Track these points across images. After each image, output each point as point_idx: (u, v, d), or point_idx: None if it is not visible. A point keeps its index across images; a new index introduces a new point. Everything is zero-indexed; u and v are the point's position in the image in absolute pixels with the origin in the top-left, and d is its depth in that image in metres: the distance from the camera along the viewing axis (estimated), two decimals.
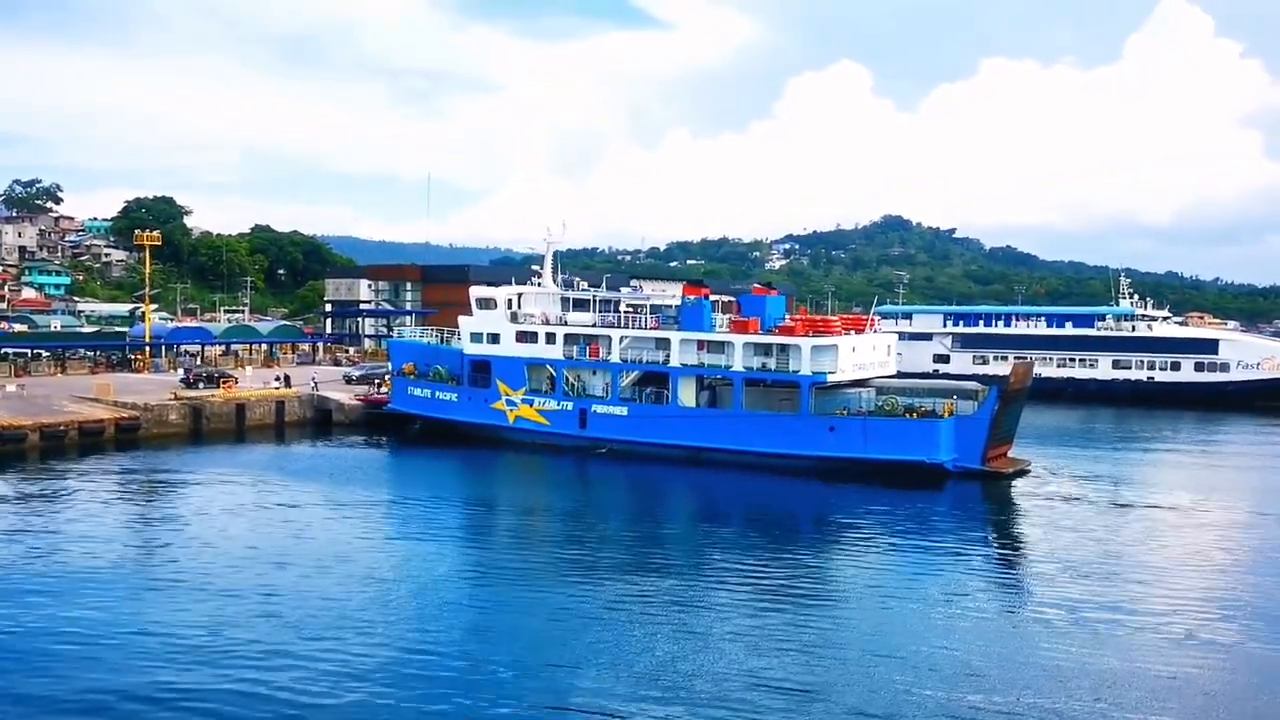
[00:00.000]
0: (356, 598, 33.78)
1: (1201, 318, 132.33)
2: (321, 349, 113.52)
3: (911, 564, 40.42)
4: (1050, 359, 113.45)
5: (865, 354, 63.55)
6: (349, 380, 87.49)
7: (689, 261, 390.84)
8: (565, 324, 69.04)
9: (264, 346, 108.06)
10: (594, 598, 34.14)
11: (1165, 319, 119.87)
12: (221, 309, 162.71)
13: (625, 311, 69.13)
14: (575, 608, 32.98)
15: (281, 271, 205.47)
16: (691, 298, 65.24)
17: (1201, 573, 39.45)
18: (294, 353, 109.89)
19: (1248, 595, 36.08)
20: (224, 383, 77.11)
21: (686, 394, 64.23)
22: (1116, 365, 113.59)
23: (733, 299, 70.64)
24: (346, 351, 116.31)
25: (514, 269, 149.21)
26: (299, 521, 45.38)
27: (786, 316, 67.00)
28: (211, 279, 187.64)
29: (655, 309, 68.68)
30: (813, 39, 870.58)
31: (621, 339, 66.09)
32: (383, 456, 66.74)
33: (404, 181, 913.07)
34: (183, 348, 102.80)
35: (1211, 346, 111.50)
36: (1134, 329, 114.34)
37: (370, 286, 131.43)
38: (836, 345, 60.80)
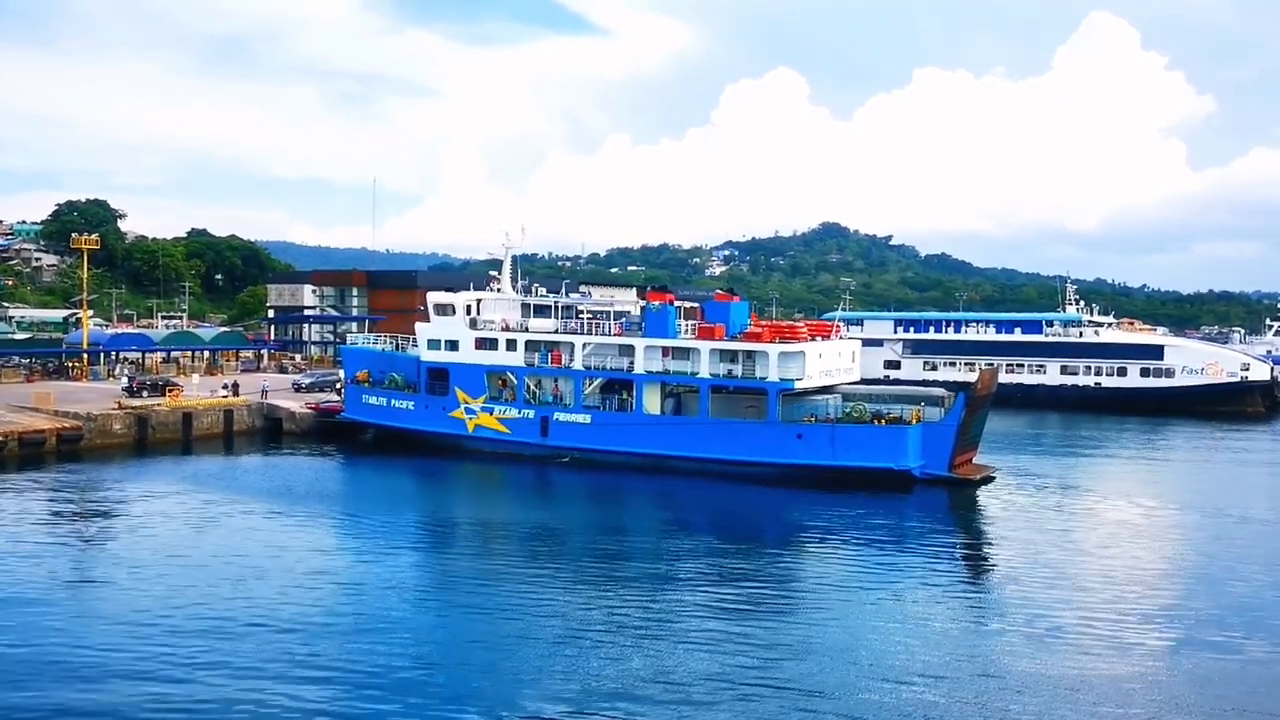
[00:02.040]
0: (307, 616, 32.33)
1: (1133, 323, 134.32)
2: (266, 356, 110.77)
3: (882, 572, 39.80)
4: (999, 364, 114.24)
5: (831, 360, 63.21)
6: (298, 388, 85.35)
7: (630, 268, 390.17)
8: (526, 330, 67.79)
9: (206, 354, 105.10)
10: (556, 611, 33.23)
11: (1110, 325, 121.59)
12: (159, 315, 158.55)
13: (588, 318, 68.05)
14: (537, 621, 32.05)
15: (219, 277, 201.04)
16: (656, 304, 64.32)
17: (1166, 577, 40.01)
18: (237, 360, 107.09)
19: (1209, 599, 36.26)
20: (169, 391, 74.64)
21: (651, 401, 63.31)
22: (1064, 371, 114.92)
23: (695, 305, 69.77)
24: (293, 359, 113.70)
25: (454, 274, 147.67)
26: (249, 536, 43.54)
27: (751, 323, 66.41)
28: (147, 284, 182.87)
29: (619, 315, 67.71)
30: (749, 47, 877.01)
31: (584, 345, 65.03)
32: (336, 467, 64.83)
33: (337, 186, 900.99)
34: (122, 355, 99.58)
35: (1157, 352, 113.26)
36: (1081, 335, 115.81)
37: (314, 292, 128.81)
38: (803, 352, 60.33)
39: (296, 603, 33.66)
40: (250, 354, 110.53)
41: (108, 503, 50.40)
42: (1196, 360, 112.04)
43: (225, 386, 78.65)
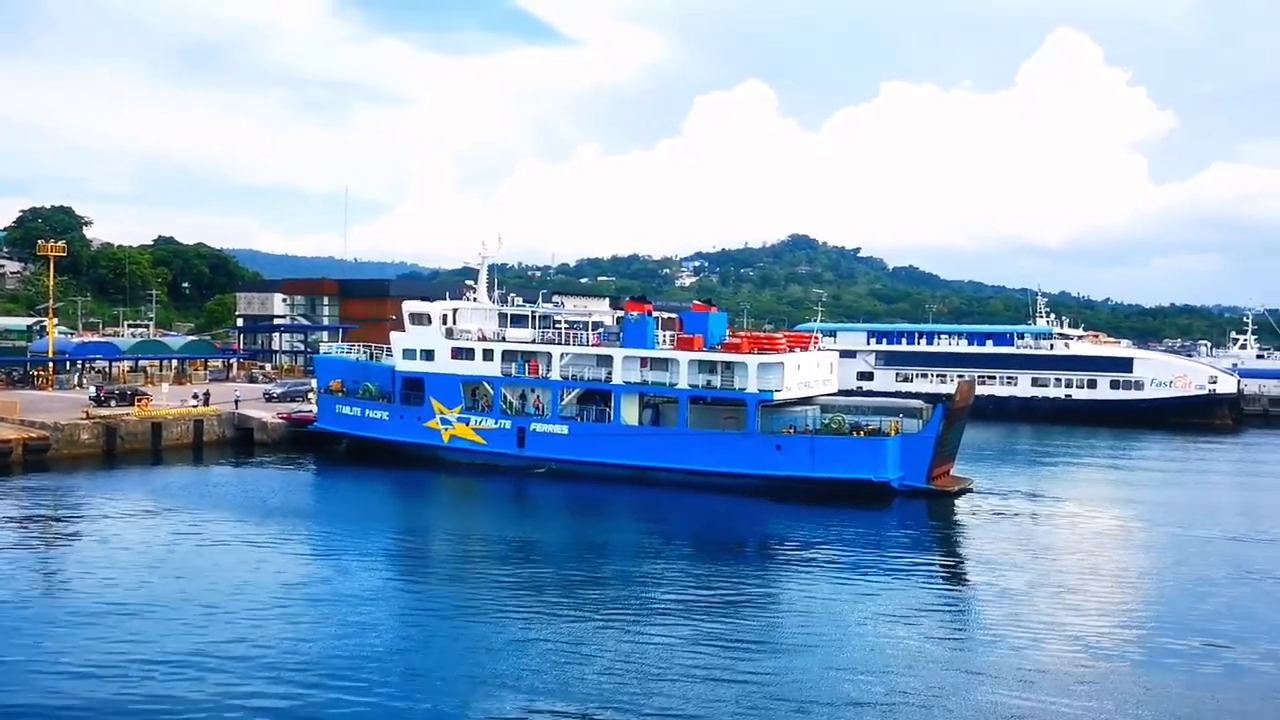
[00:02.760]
0: (279, 632, 31.70)
1: (1097, 336, 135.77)
2: (236, 365, 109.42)
3: (863, 585, 39.73)
4: (972, 376, 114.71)
5: (809, 372, 63.12)
6: (269, 398, 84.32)
7: (600, 278, 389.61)
8: (503, 340, 67.26)
9: (174, 363, 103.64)
10: (532, 626, 32.82)
11: (1080, 338, 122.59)
12: (125, 323, 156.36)
13: (566, 328, 67.68)
14: (512, 636, 31.66)
15: (186, 285, 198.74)
16: (635, 314, 64.05)
17: (1139, 589, 40.36)
18: (206, 369, 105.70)
19: (1182, 611, 36.58)
20: (138, 400, 73.45)
21: (629, 412, 62.94)
22: (1035, 383, 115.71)
23: (673, 315, 69.50)
24: (262, 368, 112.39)
25: (428, 284, 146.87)
26: (220, 550, 42.77)
27: (728, 333, 66.24)
28: (113, 292, 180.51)
29: (597, 325, 67.36)
30: (719, 59, 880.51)
31: (562, 356, 64.60)
32: (309, 478, 64.10)
33: (305, 194, 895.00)
34: (88, 364, 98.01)
35: (1126, 365, 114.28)
36: (1052, 347, 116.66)
37: (285, 301, 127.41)
38: (783, 363, 60.22)
39: (264, 621, 32.98)
40: (219, 363, 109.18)
41: (73, 515, 49.42)
42: (1165, 373, 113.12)
43: (195, 396, 77.53)
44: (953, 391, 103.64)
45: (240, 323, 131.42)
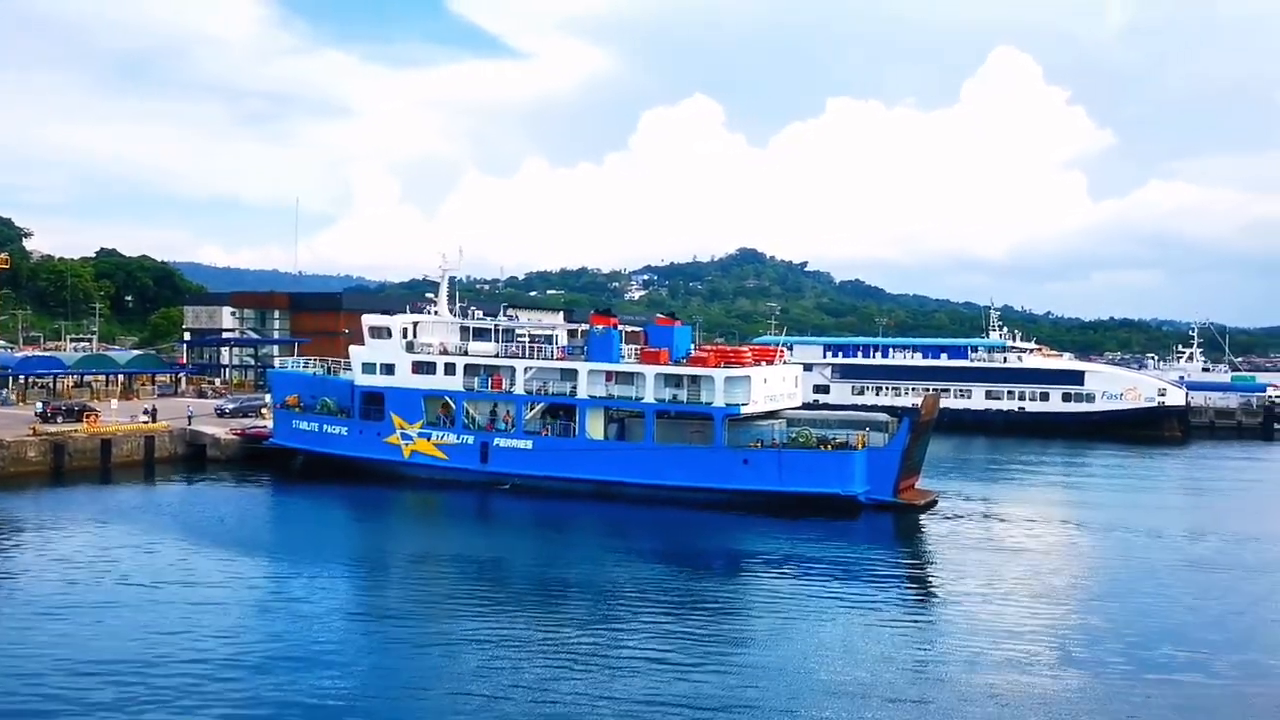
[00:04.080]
0: (231, 659, 30.58)
1: (1040, 349, 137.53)
2: (185, 380, 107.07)
3: (833, 599, 39.50)
4: (927, 389, 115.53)
5: (775, 385, 62.94)
6: (221, 413, 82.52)
7: (549, 291, 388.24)
8: (466, 354, 66.31)
9: (120, 377, 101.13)
10: (495, 645, 32.12)
11: (1032, 351, 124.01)
12: (67, 337, 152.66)
13: (529, 341, 66.93)
14: (476, 658, 30.98)
15: (130, 298, 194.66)
16: (600, 327, 63.42)
17: (1101, 598, 40.56)
18: (154, 384, 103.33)
19: (1141, 621, 36.92)
20: (87, 416, 71.44)
21: (594, 426, 62.31)
22: (989, 396, 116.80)
23: (637, 329, 69.06)
24: (212, 383, 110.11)
25: (381, 296, 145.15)
26: (171, 573, 41.13)
27: (693, 347, 65.91)
28: (54, 306, 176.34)
29: (571, 335, 66.81)
30: (667, 73, 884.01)
31: (526, 370, 63.81)
32: (265, 495, 62.56)
33: (246, 206, 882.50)
34: (32, 379, 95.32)
35: (1078, 378, 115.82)
36: (1005, 360, 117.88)
37: (234, 314, 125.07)
38: (749, 376, 59.97)
39: (217, 642, 32.07)
40: (166, 378, 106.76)
41: (17, 537, 47.55)
42: (1116, 386, 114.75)
43: (145, 411, 75.59)
44: (911, 404, 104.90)
45: (187, 336, 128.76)
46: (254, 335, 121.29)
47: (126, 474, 65.82)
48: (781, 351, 67.75)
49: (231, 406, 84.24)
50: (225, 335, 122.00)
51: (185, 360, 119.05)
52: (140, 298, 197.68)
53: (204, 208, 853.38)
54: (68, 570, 41.23)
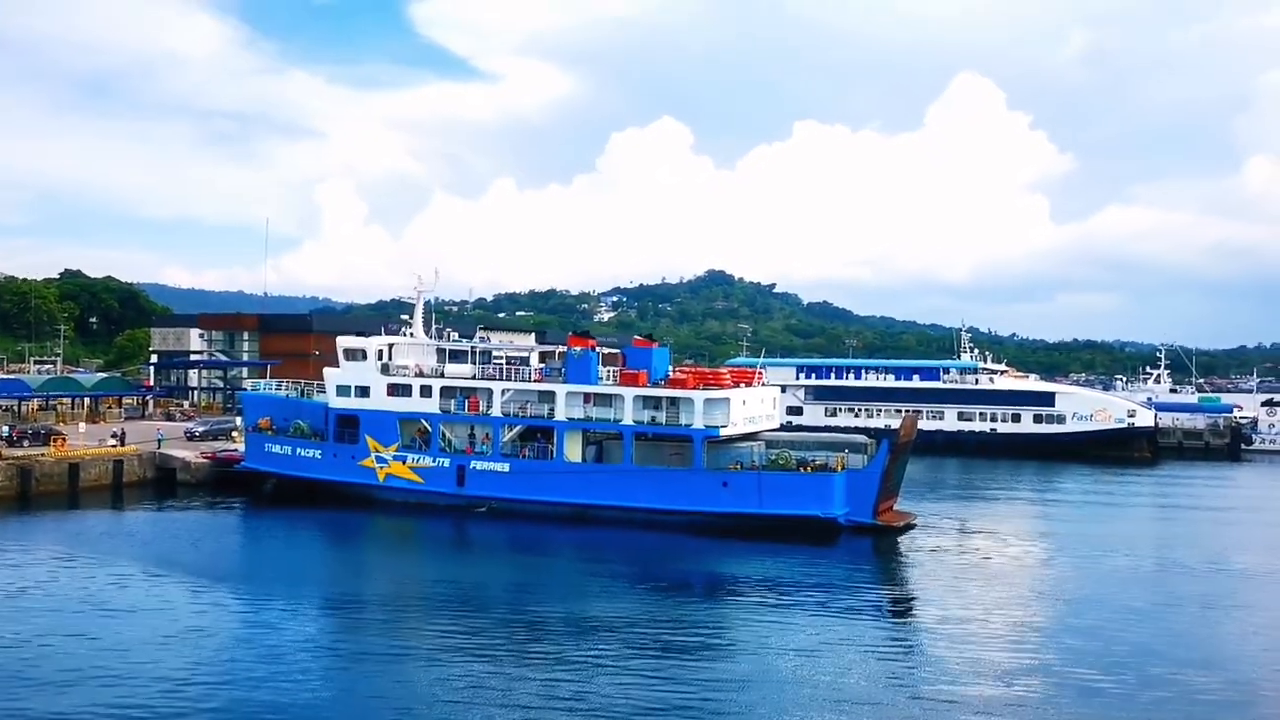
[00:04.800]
0: (201, 694, 29.72)
1: (1006, 371, 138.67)
2: (152, 403, 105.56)
3: (812, 623, 39.32)
4: (899, 411, 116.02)
5: (754, 407, 62.84)
6: (191, 436, 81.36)
7: (518, 313, 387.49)
8: (442, 376, 65.71)
9: (86, 400, 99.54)
10: (472, 674, 31.56)
11: (1004, 372, 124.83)
12: (31, 360, 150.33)
13: (506, 363, 66.46)
14: (453, 686, 30.42)
15: (94, 320, 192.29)
16: (578, 349, 63.03)
17: (1077, 618, 40.60)
18: (120, 407, 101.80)
19: (1115, 638, 37.29)
20: (54, 440, 70.12)
21: (572, 449, 61.83)
22: (962, 417, 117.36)
23: (614, 351, 68.74)
24: (180, 405, 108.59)
25: (339, 318, 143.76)
26: (141, 601, 40.20)
27: (672, 369, 65.68)
28: (16, 327, 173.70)
29: (545, 357, 66.39)
30: (635, 96, 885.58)
31: (503, 392, 63.29)
32: (237, 520, 61.59)
33: (211, 227, 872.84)
34: None
35: (1049, 399, 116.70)
36: (977, 382, 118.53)
37: (202, 336, 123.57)
38: (729, 399, 59.78)
39: (186, 673, 31.30)
40: (133, 400, 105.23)
41: None
42: (1086, 407, 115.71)
43: (114, 435, 74.33)
44: (884, 425, 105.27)
45: (154, 358, 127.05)
46: (223, 357, 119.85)
47: (95, 499, 64.57)
48: (760, 373, 67.59)
49: (201, 429, 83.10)
50: (193, 357, 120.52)
51: (152, 383, 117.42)
52: (105, 319, 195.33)
53: (168, 228, 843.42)
54: (34, 599, 40.23)
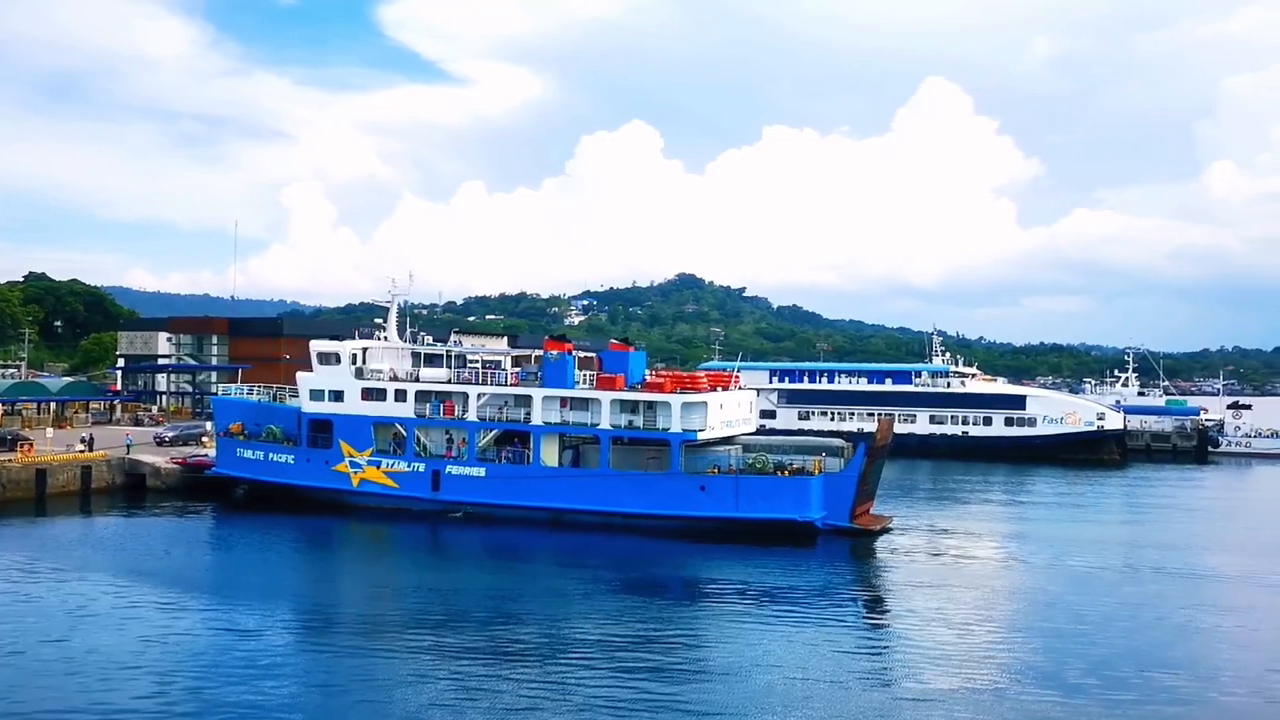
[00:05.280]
0: (171, 701, 29.31)
1: (977, 375, 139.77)
2: (120, 407, 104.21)
3: (790, 627, 39.26)
4: (872, 414, 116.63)
5: (731, 411, 62.79)
6: (160, 441, 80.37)
7: (488, 316, 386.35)
8: (417, 380, 65.24)
9: (52, 405, 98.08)
10: (448, 683, 31.21)
11: (975, 376, 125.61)
12: None
13: (482, 367, 66.08)
14: (426, 696, 30.02)
15: (59, 324, 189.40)
16: (555, 352, 62.72)
17: (1049, 620, 41.04)
18: (87, 412, 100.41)
19: (1085, 640, 37.62)
20: (21, 446, 69.01)
21: (549, 453, 61.55)
22: (934, 420, 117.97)
23: (590, 355, 68.54)
24: (148, 410, 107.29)
25: (309, 322, 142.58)
26: (110, 609, 39.52)
27: (648, 373, 65.56)
28: None
29: (515, 364, 66.01)
30: (604, 99, 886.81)
31: (479, 396, 62.90)
32: (208, 526, 60.89)
33: (178, 230, 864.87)
34: None
35: (1020, 402, 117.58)
36: (949, 385, 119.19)
37: (170, 340, 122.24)
38: (706, 403, 59.69)
39: (156, 685, 30.70)
40: (100, 405, 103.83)
41: None
42: (1057, 410, 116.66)
43: (83, 440, 73.24)
44: (857, 429, 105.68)
45: (122, 362, 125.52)
46: (191, 361, 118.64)
47: (63, 505, 63.60)
48: (737, 377, 67.59)
49: (171, 434, 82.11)
50: (161, 361, 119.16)
51: (119, 387, 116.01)
52: (70, 323, 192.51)
53: (133, 230, 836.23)
54: None
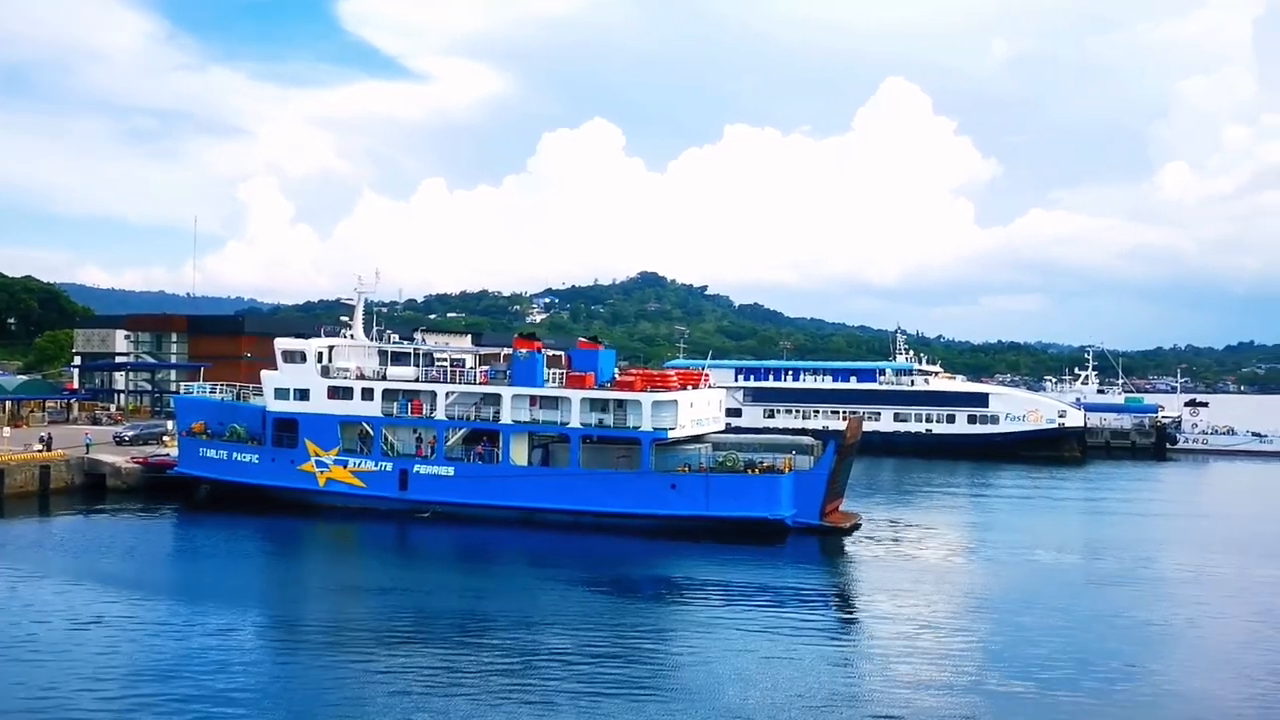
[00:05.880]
0: (133, 706, 28.70)
1: (939, 373, 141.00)
2: (77, 406, 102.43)
3: (761, 626, 39.13)
4: (837, 412, 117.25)
5: (701, 409, 62.73)
6: (120, 441, 79.05)
7: (449, 314, 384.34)
8: (384, 379, 64.59)
9: (8, 404, 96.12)
10: (416, 687, 30.70)
11: (938, 374, 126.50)
12: None
13: (451, 365, 65.52)
14: (393, 700, 29.52)
15: (13, 321, 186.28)
16: (524, 351, 62.32)
17: (1015, 615, 41.42)
18: (44, 410, 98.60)
19: (1048, 639, 37.89)
20: None
21: (518, 452, 61.16)
22: (898, 418, 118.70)
23: (558, 353, 68.22)
24: (106, 409, 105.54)
25: (270, 320, 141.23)
26: (68, 613, 38.69)
27: (617, 371, 65.34)
28: None
29: (484, 362, 65.54)
30: (565, 97, 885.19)
31: (448, 395, 62.38)
32: (169, 527, 59.85)
33: (132, 226, 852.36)
34: None
35: (983, 400, 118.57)
36: (913, 383, 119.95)
37: (128, 338, 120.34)
38: (676, 400, 59.57)
39: (119, 689, 30.08)
40: (56, 404, 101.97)
41: None
42: (1019, 408, 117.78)
43: (41, 439, 71.88)
44: (822, 427, 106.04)
45: (78, 361, 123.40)
46: (150, 359, 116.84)
47: (20, 506, 62.29)
48: (707, 375, 67.51)
49: (131, 434, 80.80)
50: (119, 359, 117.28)
51: (76, 385, 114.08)
52: (24, 320, 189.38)
53: (86, 227, 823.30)
54: None
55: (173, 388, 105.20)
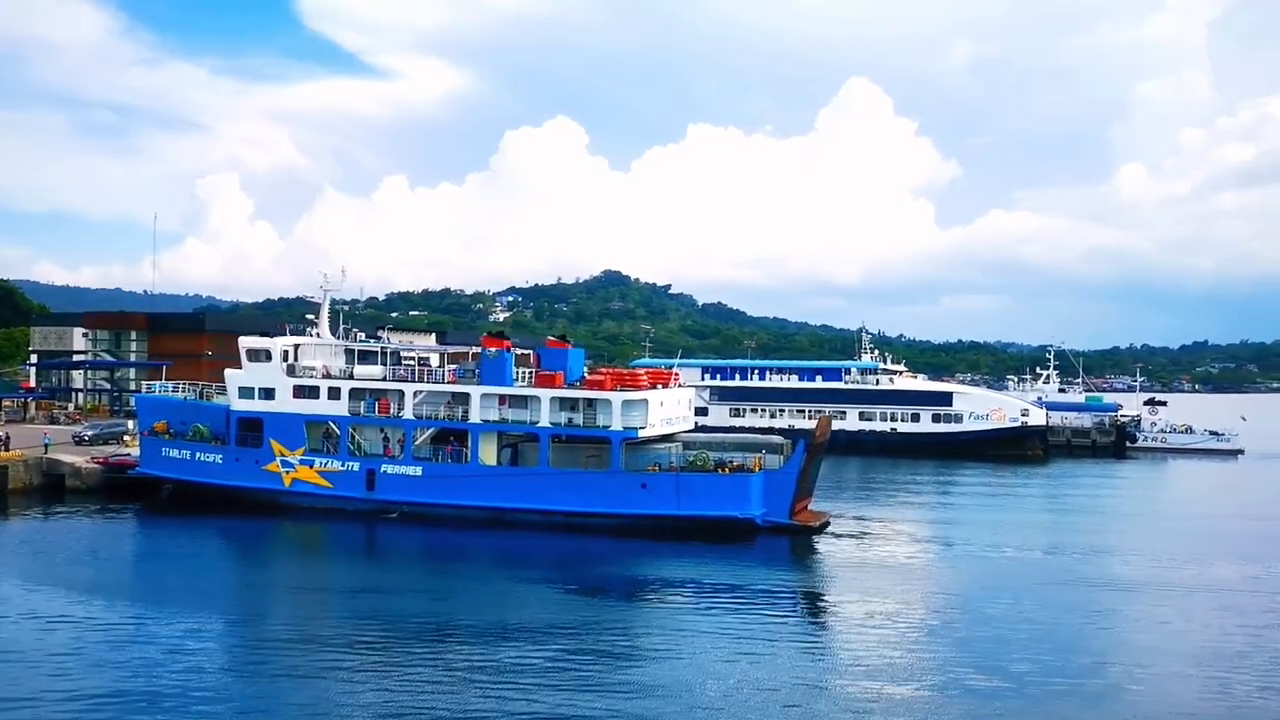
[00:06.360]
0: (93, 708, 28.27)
1: (904, 372, 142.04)
2: (34, 405, 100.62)
3: (730, 624, 39.16)
4: (803, 411, 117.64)
5: (671, 408, 62.65)
6: (80, 440, 77.73)
7: (411, 312, 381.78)
8: (351, 378, 63.94)
9: None
10: (383, 689, 30.30)
11: (902, 373, 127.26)
12: None
13: (418, 364, 64.97)
14: (360, 703, 29.13)
15: None
16: (493, 349, 61.90)
17: (983, 611, 41.74)
18: (1, 410, 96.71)
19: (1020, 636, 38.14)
20: None
21: (487, 452, 60.75)
22: (863, 417, 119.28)
23: (528, 351, 67.82)
24: (64, 408, 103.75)
25: (230, 317, 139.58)
26: (25, 617, 37.99)
27: (585, 370, 65.08)
28: None
29: (452, 361, 65.02)
30: (528, 95, 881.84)
31: (415, 394, 61.86)
32: (131, 529, 58.95)
33: (88, 222, 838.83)
34: None
35: (947, 399, 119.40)
36: (878, 382, 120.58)
37: (86, 336, 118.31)
38: (646, 400, 59.42)
39: (78, 696, 29.41)
40: (13, 403, 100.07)
41: None
42: (982, 407, 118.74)
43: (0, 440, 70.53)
44: (789, 425, 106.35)
45: (35, 359, 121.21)
46: (109, 358, 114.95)
47: None
48: (677, 374, 67.42)
49: (91, 433, 79.45)
50: (77, 358, 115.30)
51: (33, 384, 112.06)
52: None
53: (41, 222, 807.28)
54: None
55: (132, 386, 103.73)
